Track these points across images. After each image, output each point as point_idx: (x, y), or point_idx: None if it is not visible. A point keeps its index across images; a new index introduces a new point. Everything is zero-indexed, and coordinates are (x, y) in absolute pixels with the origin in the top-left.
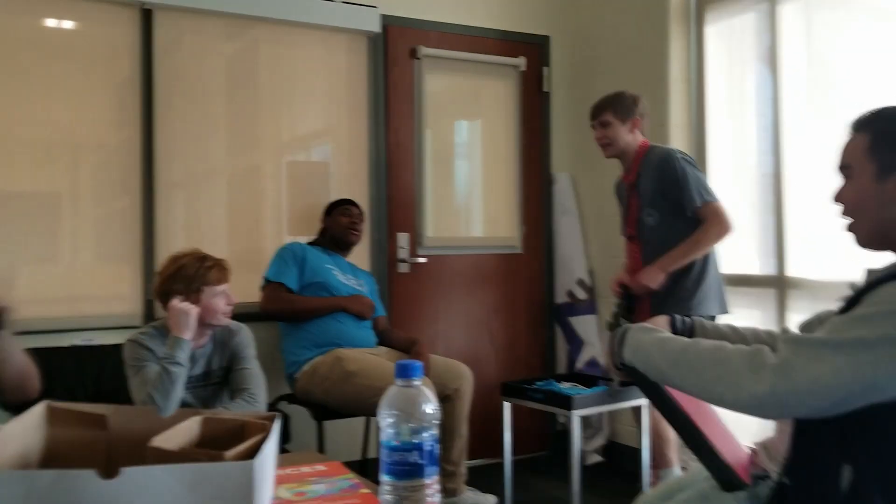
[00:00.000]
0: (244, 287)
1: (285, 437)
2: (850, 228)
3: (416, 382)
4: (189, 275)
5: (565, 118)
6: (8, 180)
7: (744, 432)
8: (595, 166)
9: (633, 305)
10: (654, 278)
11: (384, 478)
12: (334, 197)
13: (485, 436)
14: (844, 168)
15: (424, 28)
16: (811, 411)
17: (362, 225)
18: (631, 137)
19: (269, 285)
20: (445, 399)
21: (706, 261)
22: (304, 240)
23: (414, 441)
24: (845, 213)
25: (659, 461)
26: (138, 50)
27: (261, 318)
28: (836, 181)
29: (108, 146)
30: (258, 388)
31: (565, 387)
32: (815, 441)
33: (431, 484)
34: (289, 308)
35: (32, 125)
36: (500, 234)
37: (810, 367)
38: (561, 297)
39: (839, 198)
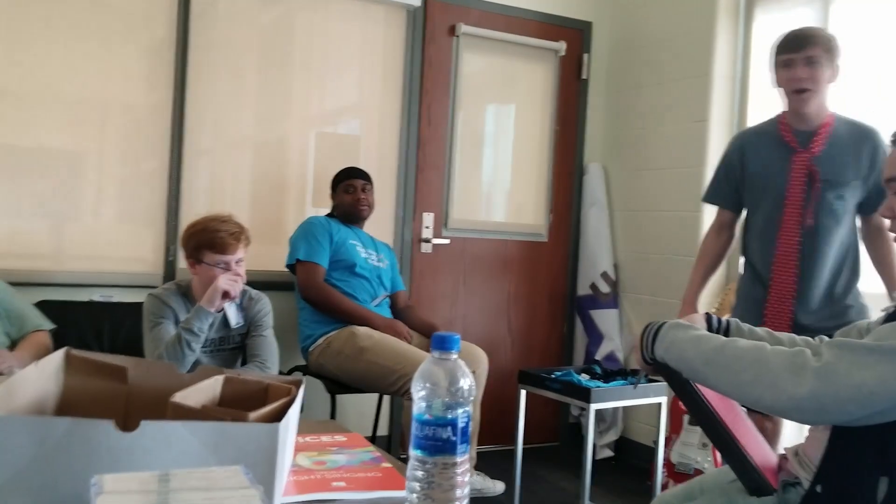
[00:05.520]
0: (264, 256)
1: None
2: None
3: (453, 356)
4: (197, 233)
5: (602, 107)
6: (39, 136)
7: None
8: (629, 158)
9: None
10: None
11: (414, 452)
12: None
13: (496, 422)
14: (890, 181)
15: (466, 5)
16: (851, 418)
17: (370, 195)
18: (825, 93)
19: (304, 266)
20: None
21: None
22: (323, 212)
23: (448, 417)
24: (893, 227)
25: None
26: (175, 12)
27: (279, 287)
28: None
29: (139, 107)
30: (271, 356)
31: (584, 379)
32: (851, 450)
33: (463, 462)
34: (324, 300)
35: (66, 83)
36: (527, 221)
37: (854, 372)
38: (583, 290)
39: (886, 212)
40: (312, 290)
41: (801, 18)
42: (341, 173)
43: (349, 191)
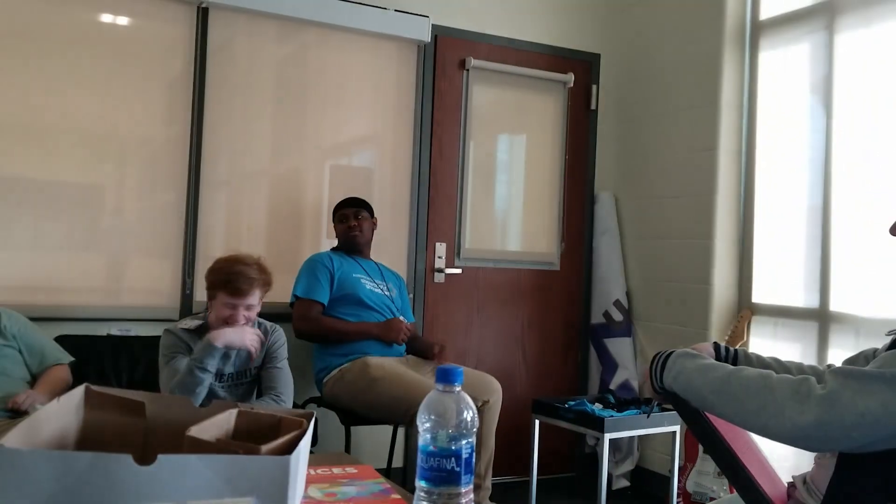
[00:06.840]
0: (280, 289)
1: (312, 440)
2: None
3: (457, 388)
4: (216, 271)
5: (611, 137)
6: (57, 170)
7: (783, 464)
8: (639, 187)
9: None
10: None
11: (420, 483)
12: (376, 202)
13: (511, 453)
14: None
15: (474, 40)
16: (856, 445)
17: (364, 222)
18: None
19: (300, 302)
20: None
21: None
22: (328, 246)
23: (452, 448)
24: None
25: None
26: (193, 48)
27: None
28: None
29: (156, 141)
30: (286, 388)
31: (597, 408)
32: (858, 477)
33: (467, 492)
34: (319, 331)
35: (85, 118)
36: (539, 250)
37: (858, 399)
38: (597, 318)
39: None
40: (303, 324)
41: (805, 52)
42: (339, 204)
43: (343, 220)
